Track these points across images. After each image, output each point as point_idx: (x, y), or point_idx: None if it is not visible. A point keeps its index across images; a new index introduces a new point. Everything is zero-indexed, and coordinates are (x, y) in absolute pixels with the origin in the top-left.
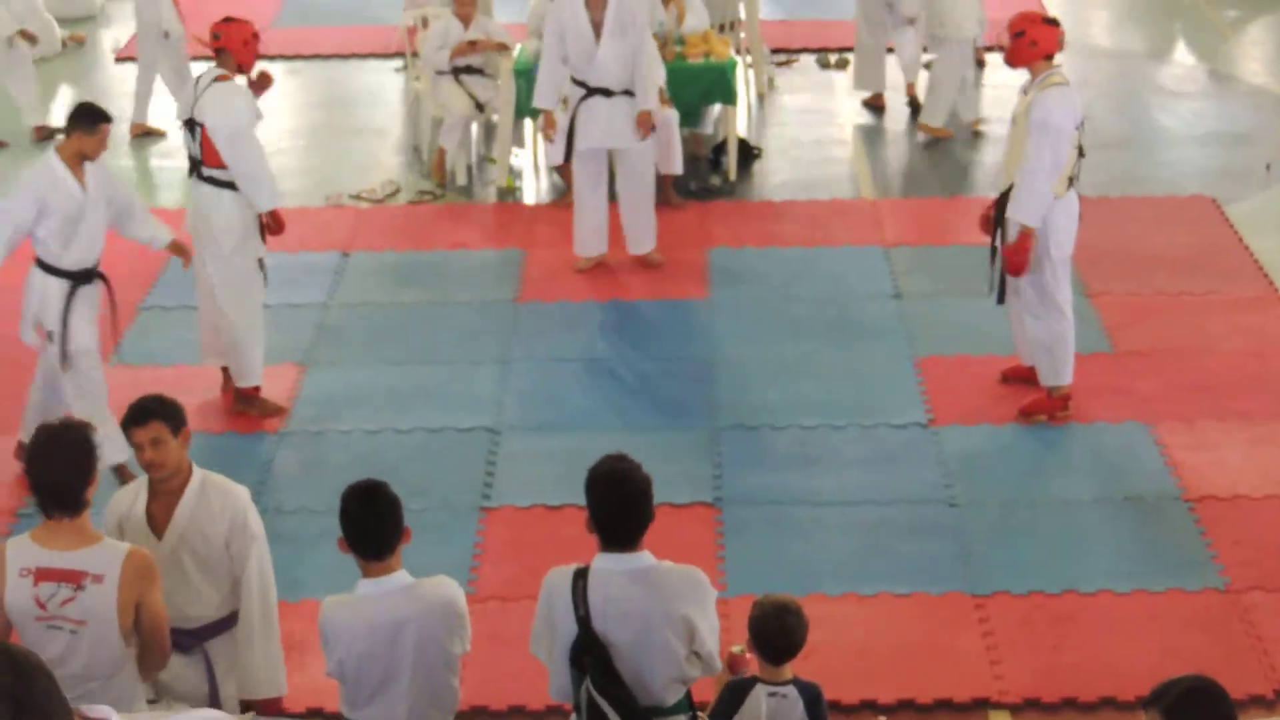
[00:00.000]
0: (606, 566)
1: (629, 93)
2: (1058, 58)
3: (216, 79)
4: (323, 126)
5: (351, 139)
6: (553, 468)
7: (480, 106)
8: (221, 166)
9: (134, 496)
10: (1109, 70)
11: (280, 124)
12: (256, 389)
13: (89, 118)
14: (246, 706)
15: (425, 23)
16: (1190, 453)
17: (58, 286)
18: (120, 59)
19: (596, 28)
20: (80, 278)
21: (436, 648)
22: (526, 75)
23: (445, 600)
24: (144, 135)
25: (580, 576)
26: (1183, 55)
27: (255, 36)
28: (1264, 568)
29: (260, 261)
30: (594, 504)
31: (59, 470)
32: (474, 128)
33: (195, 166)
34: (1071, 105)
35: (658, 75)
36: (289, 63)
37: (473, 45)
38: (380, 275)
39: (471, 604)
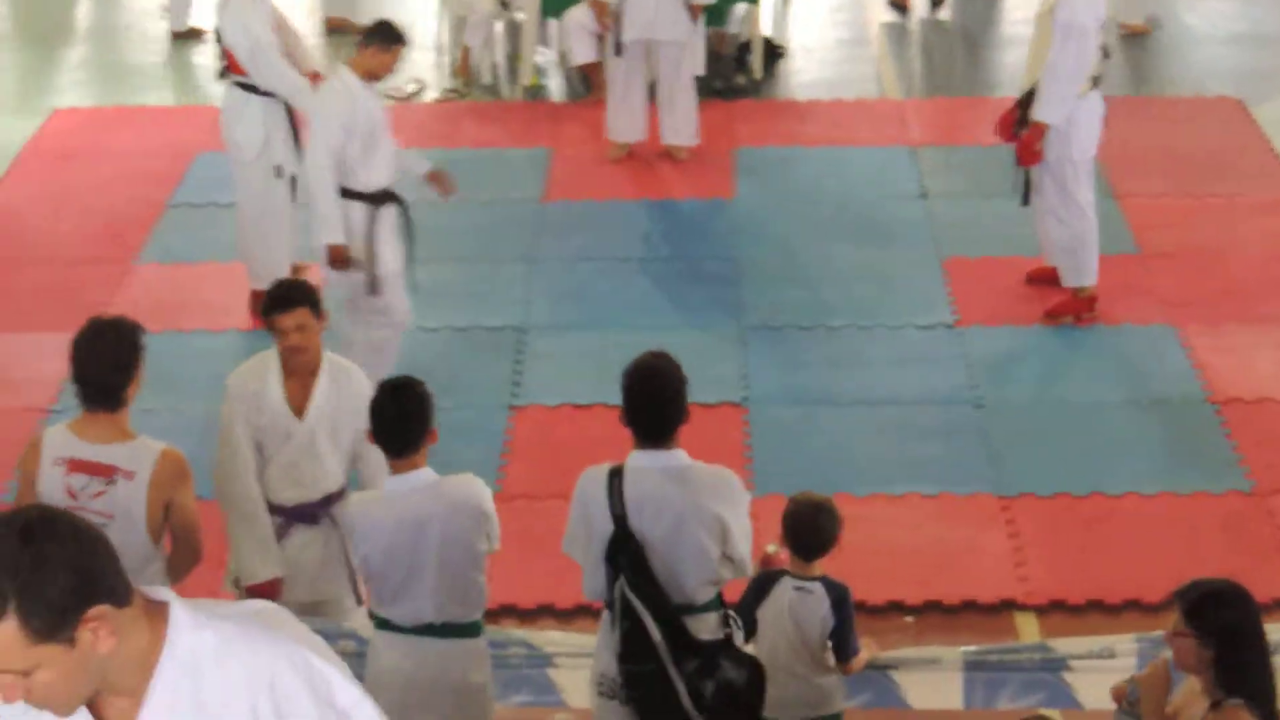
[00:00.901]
0: (642, 464)
1: None
2: None
3: None
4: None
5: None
6: (580, 367)
7: (505, 4)
8: (245, 74)
9: (262, 376)
10: None
11: (304, 23)
12: None
13: (386, 37)
14: None
15: None
16: (1217, 355)
17: (360, 211)
18: None
19: None
20: (378, 199)
21: (462, 545)
22: None
23: (470, 497)
24: (187, 36)
25: (616, 475)
26: None
27: None
28: None
29: (278, 169)
30: (629, 399)
31: (103, 365)
32: (499, 25)
33: (223, 71)
34: (1094, 4)
35: None
36: None
37: None
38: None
39: (499, 502)
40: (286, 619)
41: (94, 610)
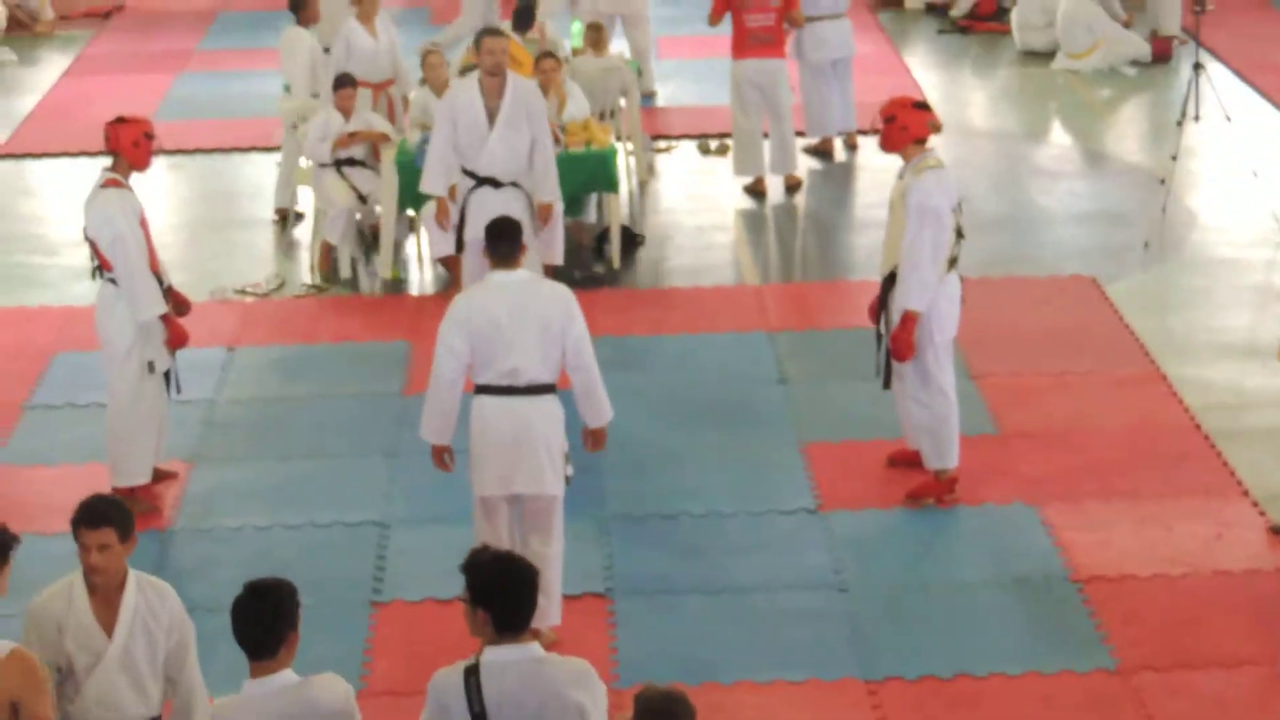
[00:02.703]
0: (499, 659)
1: (516, 184)
2: (935, 140)
3: (105, 183)
4: (206, 220)
5: (236, 232)
6: (443, 561)
7: (363, 198)
8: (112, 270)
9: (67, 598)
10: (987, 151)
11: (163, 219)
12: (133, 490)
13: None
14: None
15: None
16: (1077, 533)
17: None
18: (1, 155)
19: (491, 116)
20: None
21: None
22: (409, 166)
23: (334, 699)
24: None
25: (471, 673)
26: (1059, 135)
27: (149, 137)
28: (1153, 647)
29: (151, 365)
30: (485, 593)
31: None
32: (356, 218)
33: (96, 269)
34: (947, 188)
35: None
36: (170, 157)
37: (354, 136)
38: (267, 370)
39: (362, 699)
40: None
41: None
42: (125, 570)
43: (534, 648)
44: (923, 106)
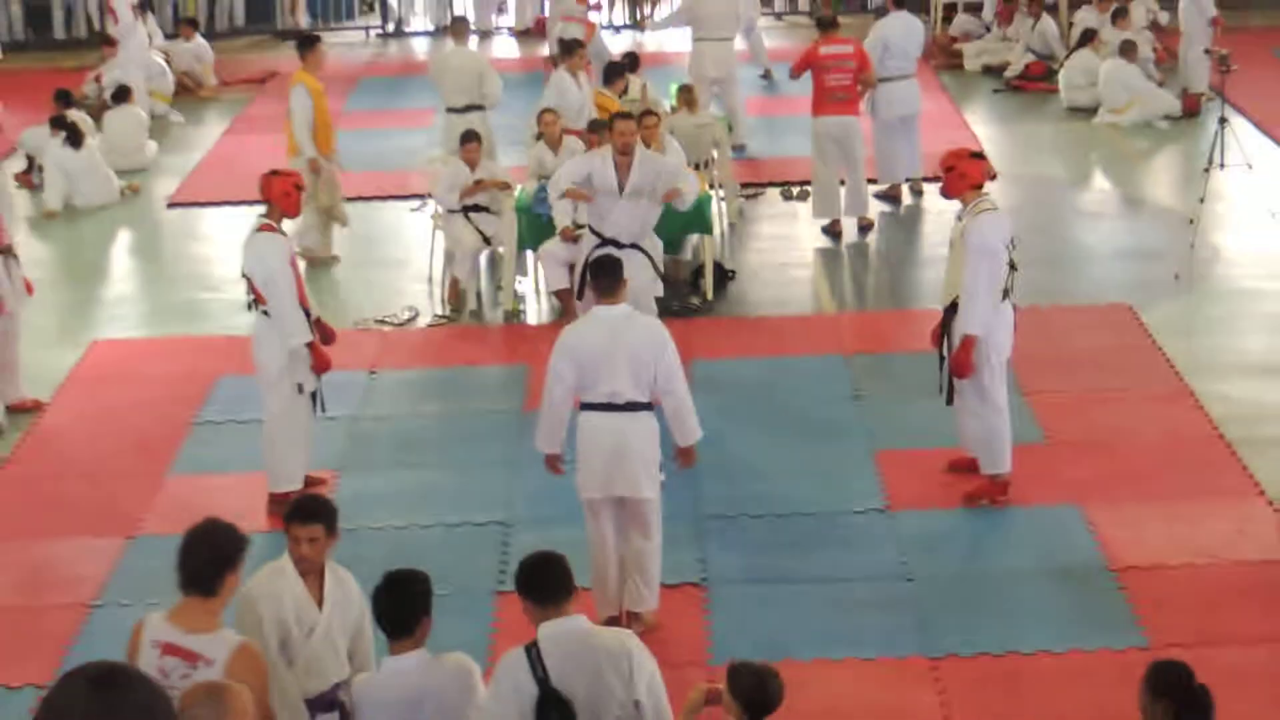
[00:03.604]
0: (552, 632)
1: (636, 246)
2: (990, 185)
3: (260, 228)
4: (349, 260)
5: (376, 270)
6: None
7: (487, 240)
8: (265, 303)
9: (282, 579)
10: (1036, 195)
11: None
12: (287, 494)
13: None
14: None
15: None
16: (1115, 529)
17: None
18: (171, 204)
19: (620, 187)
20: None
21: (454, 715)
22: (526, 211)
23: (461, 673)
24: None
25: (532, 647)
26: (1099, 181)
27: (298, 187)
28: (1181, 627)
29: (299, 386)
30: (520, 585)
31: (204, 557)
32: (482, 259)
33: (251, 303)
34: (1001, 227)
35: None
36: None
37: (479, 185)
38: (403, 390)
39: (487, 678)
40: None
41: None
42: (324, 559)
43: (581, 619)
44: (978, 156)
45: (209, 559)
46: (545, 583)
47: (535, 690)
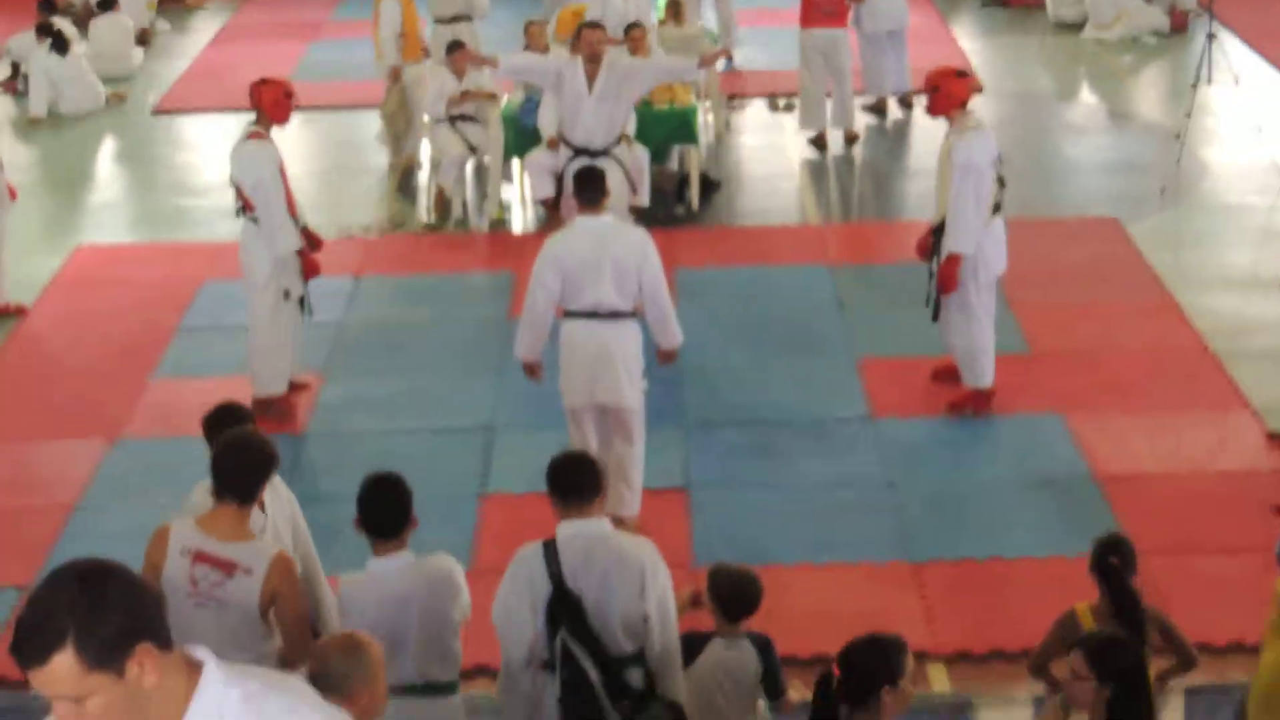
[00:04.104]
0: (570, 532)
1: (606, 152)
2: (977, 100)
3: (250, 136)
4: (335, 169)
5: (361, 179)
6: (541, 460)
7: (473, 149)
8: (254, 210)
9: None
10: (1023, 109)
11: (296, 167)
12: (271, 399)
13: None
14: None
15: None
16: (1099, 439)
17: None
18: (157, 112)
19: (588, 92)
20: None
21: (439, 615)
22: (513, 121)
23: (445, 574)
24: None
25: (549, 544)
26: (1086, 96)
27: (288, 95)
28: (1162, 534)
29: (286, 292)
30: (553, 480)
31: (244, 467)
32: (468, 167)
33: (240, 209)
34: (987, 145)
35: (630, 127)
36: (304, 113)
37: (465, 95)
38: (388, 296)
39: (470, 578)
40: (304, 688)
41: (141, 646)
42: None
43: (602, 522)
44: (963, 74)
45: (252, 467)
46: (567, 482)
47: (549, 586)
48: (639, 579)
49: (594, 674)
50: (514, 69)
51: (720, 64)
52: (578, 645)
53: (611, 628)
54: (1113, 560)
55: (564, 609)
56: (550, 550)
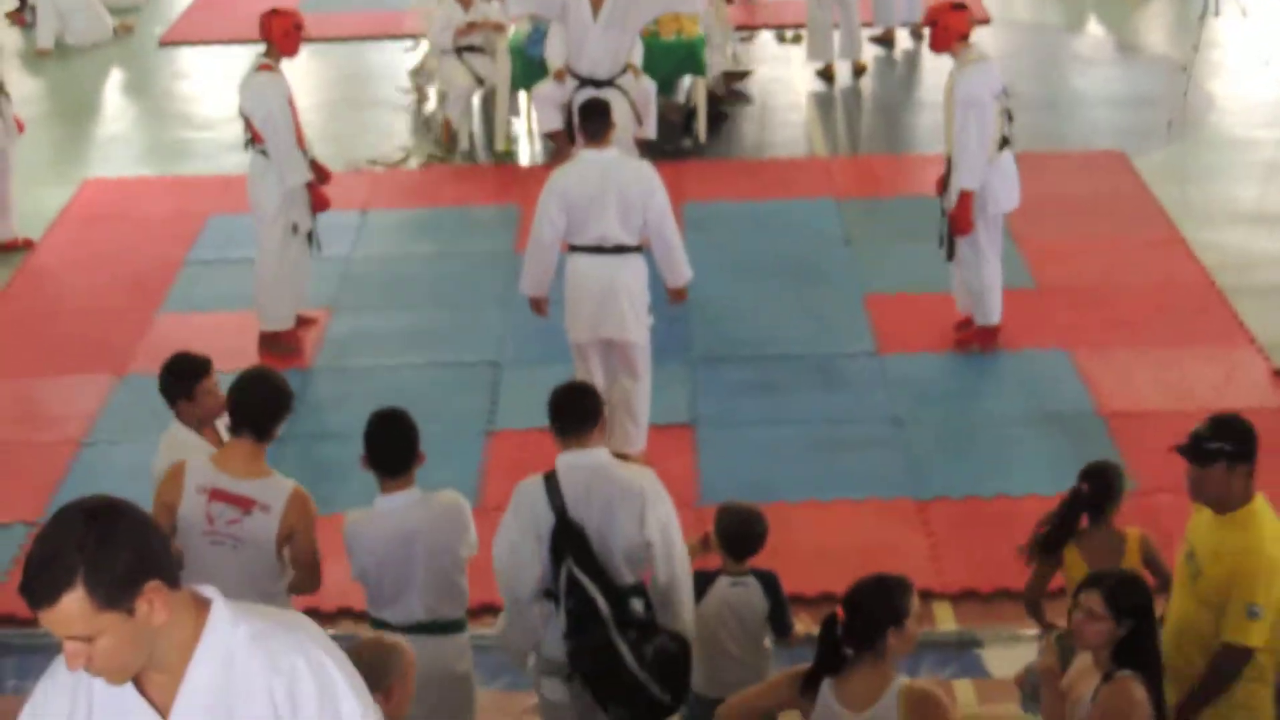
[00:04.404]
0: (570, 462)
1: (611, 83)
2: (986, 31)
3: (259, 68)
4: (341, 100)
5: (367, 111)
6: (547, 396)
7: (480, 81)
8: (263, 143)
9: (191, 444)
10: (1030, 41)
11: (304, 99)
12: (278, 333)
13: None
14: None
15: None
16: (1105, 375)
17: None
18: (164, 43)
19: (594, 19)
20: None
21: (446, 552)
22: (520, 52)
23: (452, 510)
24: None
25: (550, 477)
26: (1094, 28)
27: (298, 27)
28: (1169, 472)
29: (295, 226)
30: (553, 411)
31: (262, 404)
32: (475, 99)
33: (248, 142)
34: (988, 78)
35: (638, 58)
36: (312, 45)
37: (472, 26)
38: (395, 230)
39: (477, 515)
40: (311, 626)
41: (150, 584)
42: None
43: (600, 453)
44: (960, 6)
45: (270, 405)
46: (565, 412)
47: (552, 518)
48: (639, 508)
49: (603, 604)
50: (522, 2)
51: None
52: (584, 575)
53: (614, 558)
54: (1082, 486)
55: (568, 540)
56: (552, 482)
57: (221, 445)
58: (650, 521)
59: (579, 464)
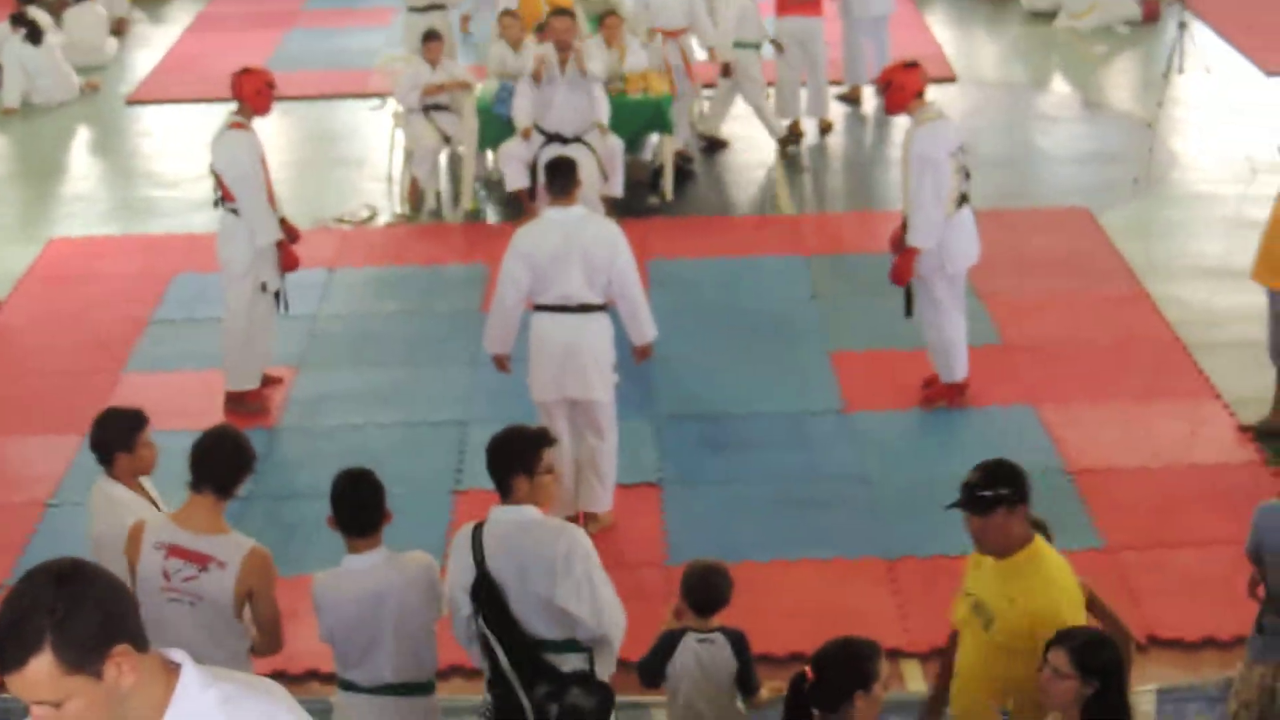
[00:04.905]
0: (497, 516)
1: (579, 139)
2: (951, 89)
3: (231, 125)
4: (309, 159)
5: (334, 169)
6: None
7: (447, 139)
8: (234, 201)
9: (126, 502)
10: (996, 98)
11: (271, 157)
12: (244, 392)
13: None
14: None
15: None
16: (1071, 431)
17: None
18: (130, 102)
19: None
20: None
21: (415, 613)
22: (487, 111)
23: (421, 571)
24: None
25: (479, 527)
26: (1060, 85)
27: (270, 86)
28: (1135, 529)
29: (264, 285)
30: (489, 466)
31: (223, 463)
32: (442, 158)
33: (218, 200)
34: (942, 136)
35: (604, 115)
36: (280, 103)
37: (440, 86)
38: (362, 289)
39: (445, 576)
40: (279, 691)
41: (119, 647)
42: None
43: (529, 510)
44: (912, 65)
45: (233, 463)
46: (493, 462)
47: (473, 570)
48: (553, 569)
49: (503, 658)
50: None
51: (696, 53)
52: (490, 629)
53: (529, 613)
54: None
55: (483, 591)
56: (477, 533)
57: (150, 501)
58: (562, 584)
59: (506, 519)
